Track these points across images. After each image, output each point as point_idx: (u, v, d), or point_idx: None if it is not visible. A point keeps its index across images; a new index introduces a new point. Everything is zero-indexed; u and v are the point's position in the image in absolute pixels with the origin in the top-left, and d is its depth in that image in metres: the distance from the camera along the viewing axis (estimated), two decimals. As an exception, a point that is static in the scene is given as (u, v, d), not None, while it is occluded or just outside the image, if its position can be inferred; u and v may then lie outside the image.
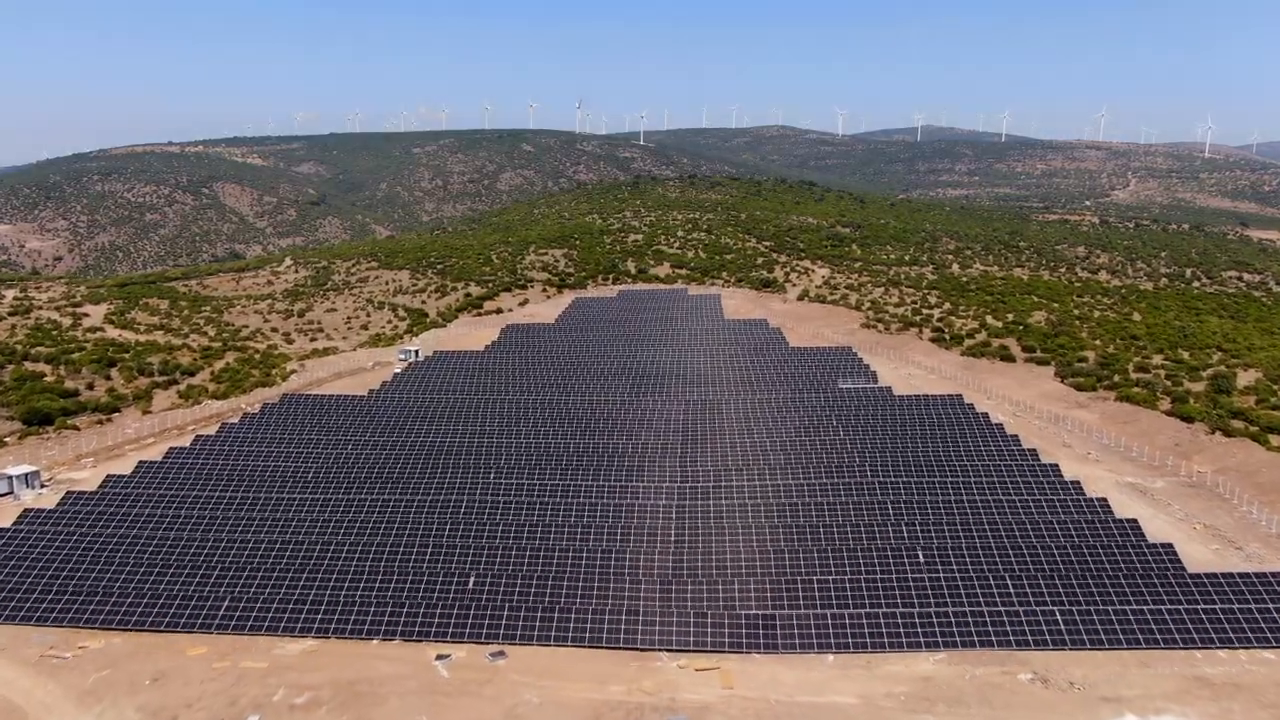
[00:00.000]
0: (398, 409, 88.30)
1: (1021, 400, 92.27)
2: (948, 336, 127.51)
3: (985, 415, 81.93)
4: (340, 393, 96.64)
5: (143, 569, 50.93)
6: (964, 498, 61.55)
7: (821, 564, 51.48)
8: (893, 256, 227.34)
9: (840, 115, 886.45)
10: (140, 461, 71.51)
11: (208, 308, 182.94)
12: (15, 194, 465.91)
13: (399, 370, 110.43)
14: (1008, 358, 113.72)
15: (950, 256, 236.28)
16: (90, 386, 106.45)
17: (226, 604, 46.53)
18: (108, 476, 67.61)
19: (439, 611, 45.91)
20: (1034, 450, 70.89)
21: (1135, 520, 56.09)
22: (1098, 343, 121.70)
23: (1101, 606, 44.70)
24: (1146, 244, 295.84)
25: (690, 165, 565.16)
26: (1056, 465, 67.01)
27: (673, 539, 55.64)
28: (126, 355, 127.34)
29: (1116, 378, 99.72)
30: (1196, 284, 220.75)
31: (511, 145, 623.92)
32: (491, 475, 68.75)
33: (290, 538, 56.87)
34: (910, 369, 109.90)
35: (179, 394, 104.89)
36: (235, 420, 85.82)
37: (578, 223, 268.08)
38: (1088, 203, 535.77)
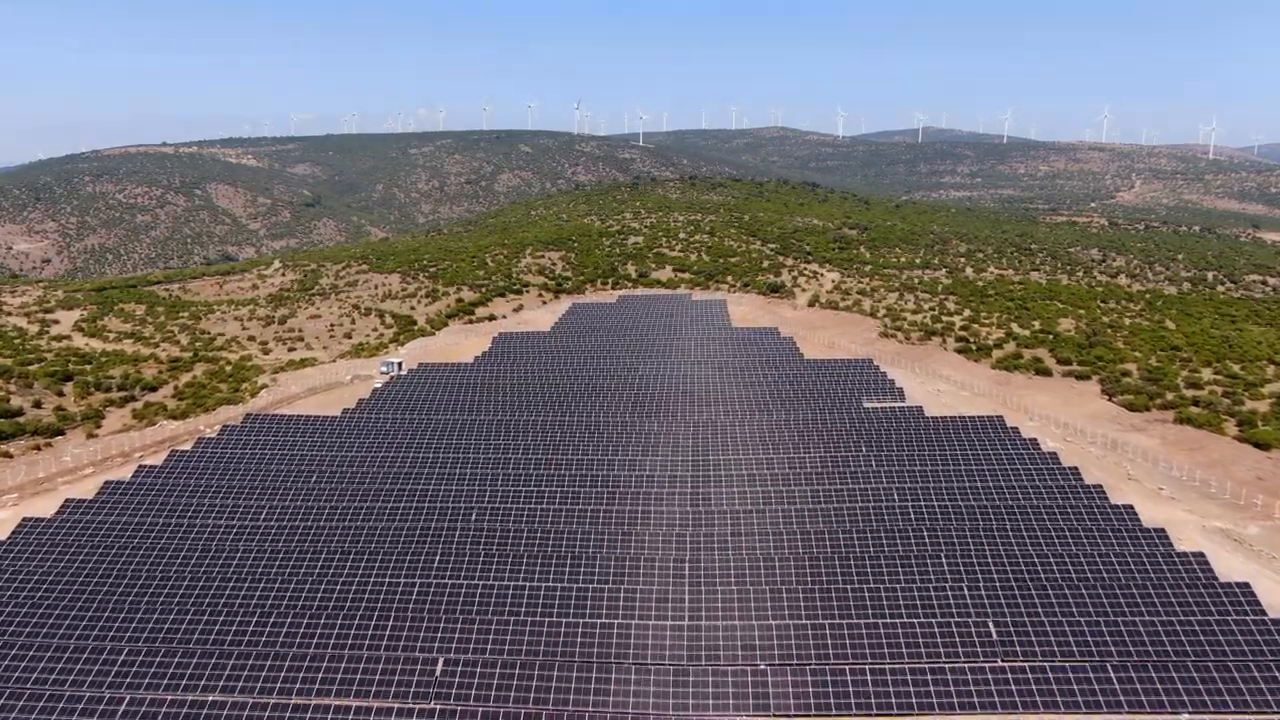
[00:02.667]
0: (371, 433, 78.74)
1: (1069, 422, 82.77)
2: (974, 347, 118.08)
3: (1034, 441, 72.45)
4: (310, 413, 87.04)
5: (28, 656, 41.37)
6: (1030, 550, 52.10)
7: (873, 644, 41.97)
8: (903, 260, 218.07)
9: (840, 117, 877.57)
10: (67, 500, 61.94)
11: (185, 314, 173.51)
12: (4, 195, 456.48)
13: (379, 385, 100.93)
14: (1043, 371, 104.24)
15: (962, 259, 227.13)
16: (38, 404, 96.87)
17: (125, 706, 36.98)
18: (23, 520, 58.02)
19: (394, 717, 36.38)
20: (1100, 487, 61.39)
21: (1247, 584, 46.60)
22: (1138, 354, 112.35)
23: (1235, 713, 35.40)
24: (1160, 247, 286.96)
25: (690, 166, 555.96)
26: (1131, 507, 57.52)
27: (686, 607, 46.13)
28: (88, 367, 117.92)
29: (1169, 395, 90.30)
30: (1221, 288, 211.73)
31: (509, 146, 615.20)
32: (473, 517, 59.24)
33: (223, 603, 47.34)
34: (938, 384, 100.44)
35: (134, 413, 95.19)
36: (188, 446, 76.27)
37: (576, 224, 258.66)
38: (1093, 204, 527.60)
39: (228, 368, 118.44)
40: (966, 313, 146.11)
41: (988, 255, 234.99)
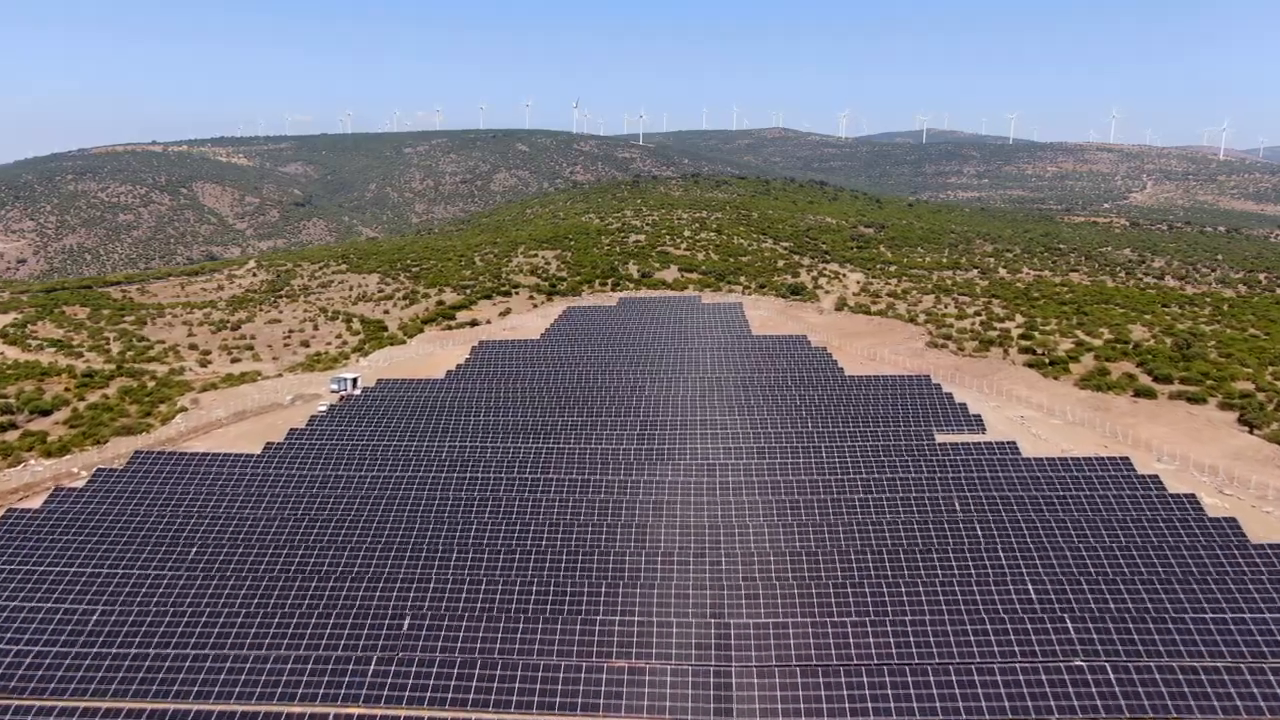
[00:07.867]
0: (293, 479, 59.08)
1: (1212, 464, 63.19)
2: (1047, 360, 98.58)
3: (1193, 499, 52.92)
4: (223, 449, 67.45)
5: None
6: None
7: None
8: (929, 259, 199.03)
9: (842, 117, 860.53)
10: None
11: (130, 318, 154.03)
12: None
13: (324, 408, 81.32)
14: (1145, 392, 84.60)
15: (991, 259, 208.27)
16: (-109, 434, 77.17)
17: None
18: None
19: None
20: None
21: None
22: (1248, 369, 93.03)
23: None
24: (1194, 247, 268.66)
25: (691, 166, 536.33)
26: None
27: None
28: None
29: (1322, 426, 70.90)
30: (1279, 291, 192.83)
31: (506, 145, 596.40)
32: (405, 625, 39.67)
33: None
34: (1018, 408, 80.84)
35: (1, 448, 75.01)
36: (38, 502, 56.62)
37: (573, 222, 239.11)
38: (1107, 205, 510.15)
39: (150, 384, 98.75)
40: (1019, 319, 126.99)
41: (1017, 255, 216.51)
